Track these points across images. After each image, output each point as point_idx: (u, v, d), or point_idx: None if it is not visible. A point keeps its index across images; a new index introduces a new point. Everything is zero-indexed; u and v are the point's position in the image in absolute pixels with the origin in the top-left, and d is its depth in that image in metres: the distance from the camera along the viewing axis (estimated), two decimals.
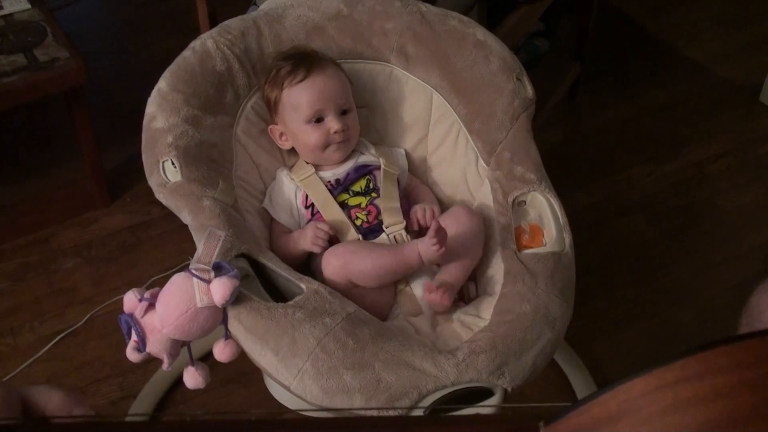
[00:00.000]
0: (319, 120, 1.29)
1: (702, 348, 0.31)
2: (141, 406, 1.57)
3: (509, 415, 0.32)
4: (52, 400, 0.48)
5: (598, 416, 0.31)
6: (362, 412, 1.01)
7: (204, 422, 0.37)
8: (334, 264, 1.16)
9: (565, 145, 2.26)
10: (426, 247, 1.14)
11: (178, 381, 1.21)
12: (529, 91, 1.33)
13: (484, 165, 1.32)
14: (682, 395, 0.30)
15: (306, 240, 1.22)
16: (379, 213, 1.27)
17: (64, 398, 0.48)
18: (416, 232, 1.28)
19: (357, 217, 1.26)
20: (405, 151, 1.41)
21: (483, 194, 1.32)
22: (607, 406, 0.31)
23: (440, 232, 1.13)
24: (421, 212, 1.28)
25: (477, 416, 0.33)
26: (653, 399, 0.30)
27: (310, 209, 1.28)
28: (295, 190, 1.30)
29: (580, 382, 1.62)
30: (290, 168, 1.34)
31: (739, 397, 0.30)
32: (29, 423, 0.46)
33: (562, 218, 1.22)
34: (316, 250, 1.22)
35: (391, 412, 1.01)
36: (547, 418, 0.32)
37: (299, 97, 1.28)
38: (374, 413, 1.01)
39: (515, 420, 0.31)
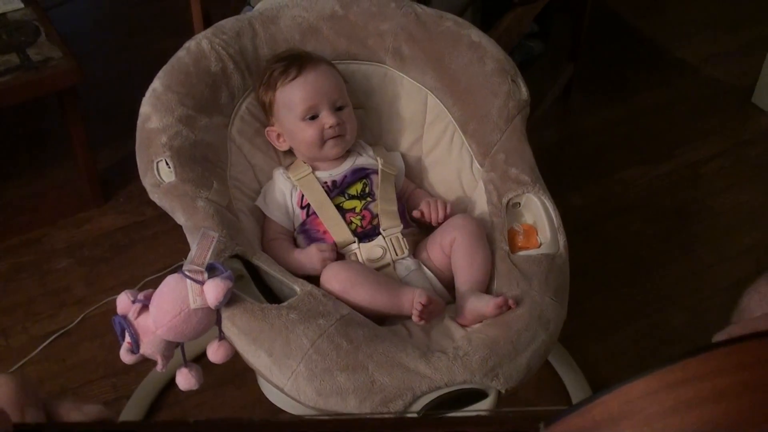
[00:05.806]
0: (314, 117, 1.28)
1: (703, 349, 0.31)
2: (134, 407, 1.56)
3: (509, 416, 0.32)
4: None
5: (599, 417, 0.31)
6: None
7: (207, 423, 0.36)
8: (334, 287, 1.15)
9: (558, 145, 2.26)
10: (414, 306, 1.12)
11: (172, 382, 1.21)
12: (524, 92, 1.33)
13: (479, 167, 1.32)
14: (684, 396, 0.30)
15: (315, 264, 1.20)
16: (373, 218, 1.27)
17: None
18: (412, 233, 1.28)
19: (351, 222, 1.26)
20: (400, 153, 1.41)
21: (477, 196, 1.32)
22: (608, 407, 0.31)
23: (425, 311, 1.11)
24: (426, 207, 1.28)
25: (477, 417, 0.33)
26: (655, 400, 0.30)
27: (305, 210, 1.28)
28: (291, 189, 1.29)
29: (573, 383, 1.62)
30: (287, 167, 1.34)
31: (741, 398, 0.30)
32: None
33: (557, 220, 1.22)
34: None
35: (385, 414, 1.01)
36: (548, 419, 0.32)
37: (293, 95, 1.28)
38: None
39: (515, 421, 0.31)
